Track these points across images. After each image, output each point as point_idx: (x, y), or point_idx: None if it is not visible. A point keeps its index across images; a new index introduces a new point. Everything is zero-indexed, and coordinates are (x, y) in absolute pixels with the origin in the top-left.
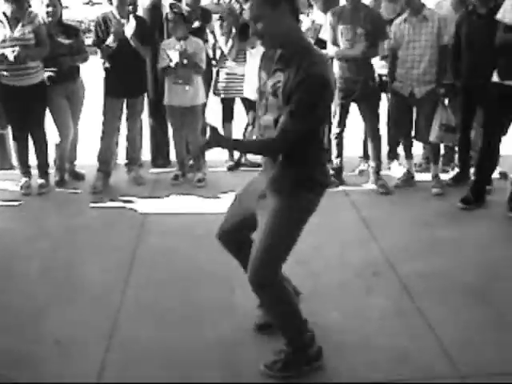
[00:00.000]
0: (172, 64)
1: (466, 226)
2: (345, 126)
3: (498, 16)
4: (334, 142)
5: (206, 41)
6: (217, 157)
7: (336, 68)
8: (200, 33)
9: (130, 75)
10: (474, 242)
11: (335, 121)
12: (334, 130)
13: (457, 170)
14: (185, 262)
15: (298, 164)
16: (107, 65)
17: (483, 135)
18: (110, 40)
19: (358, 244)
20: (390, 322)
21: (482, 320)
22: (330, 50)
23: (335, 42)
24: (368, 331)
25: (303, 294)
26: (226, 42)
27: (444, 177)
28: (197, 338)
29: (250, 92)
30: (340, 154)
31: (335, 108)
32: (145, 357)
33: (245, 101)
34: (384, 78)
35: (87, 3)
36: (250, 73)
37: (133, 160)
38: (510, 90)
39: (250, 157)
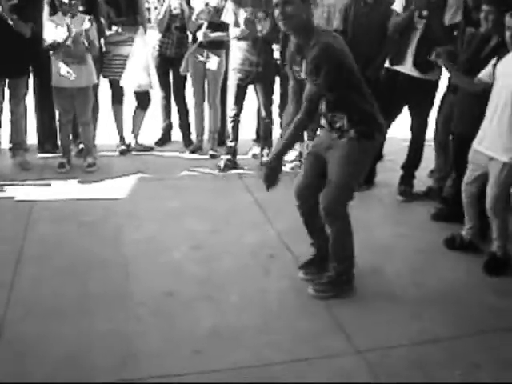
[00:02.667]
0: (63, 39)
1: (357, 207)
2: (242, 108)
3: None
4: (229, 125)
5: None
6: (108, 141)
7: (236, 50)
8: (87, 12)
9: (9, 54)
10: (364, 223)
11: (231, 103)
12: (230, 112)
13: None
14: (76, 250)
15: (357, 122)
16: None
17: None
18: None
19: (254, 227)
20: (289, 302)
21: (374, 296)
22: (233, 32)
23: (237, 25)
24: (268, 313)
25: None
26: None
27: None
28: (90, 330)
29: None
30: (236, 138)
31: (232, 90)
32: (33, 353)
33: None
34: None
35: None
36: (131, 61)
37: (18, 144)
38: (397, 76)
39: (141, 141)
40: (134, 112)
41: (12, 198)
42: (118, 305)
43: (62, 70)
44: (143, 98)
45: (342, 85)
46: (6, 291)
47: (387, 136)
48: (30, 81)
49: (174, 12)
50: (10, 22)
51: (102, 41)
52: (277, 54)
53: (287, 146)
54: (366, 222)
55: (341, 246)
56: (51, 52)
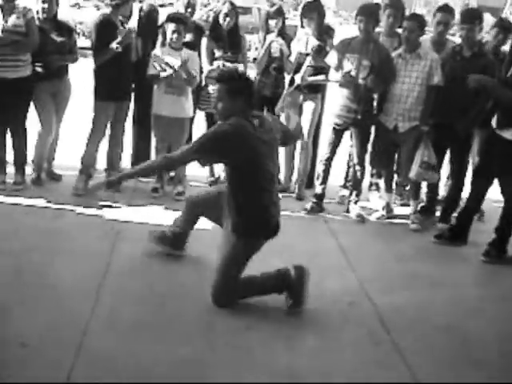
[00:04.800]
0: (169, 71)
1: (442, 263)
2: (335, 153)
3: None
4: (320, 168)
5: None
6: (197, 172)
7: (336, 94)
8: (192, 47)
9: (122, 79)
10: (448, 279)
11: (325, 146)
12: (323, 155)
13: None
14: (159, 274)
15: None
16: (98, 68)
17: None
18: (114, 44)
19: (335, 272)
20: (365, 352)
21: (454, 355)
22: (334, 76)
23: (339, 69)
24: (342, 361)
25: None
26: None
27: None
28: (167, 353)
29: None
30: (324, 181)
31: (328, 133)
32: (112, 369)
33: None
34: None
35: (74, 6)
36: None
37: (112, 166)
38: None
39: None
40: None
41: (101, 216)
42: (195, 331)
43: (162, 99)
44: None
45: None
46: (91, 303)
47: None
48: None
49: (274, 54)
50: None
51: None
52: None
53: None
54: (452, 279)
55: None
56: (154, 82)
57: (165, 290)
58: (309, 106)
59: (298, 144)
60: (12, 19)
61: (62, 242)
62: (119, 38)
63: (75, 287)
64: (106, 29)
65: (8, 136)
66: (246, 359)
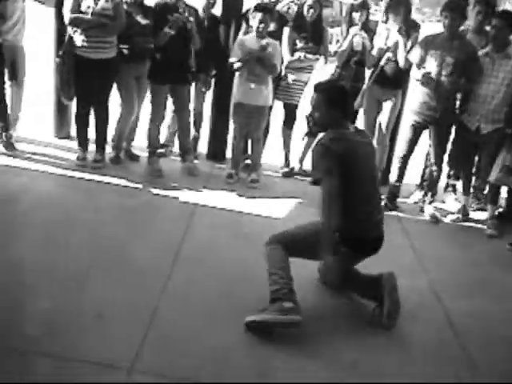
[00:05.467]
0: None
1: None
2: (412, 151)
3: None
4: (397, 165)
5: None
6: (272, 161)
7: (417, 91)
8: (275, 36)
9: (177, 64)
10: None
11: (402, 143)
12: (400, 152)
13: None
14: (230, 258)
15: None
16: (155, 51)
17: None
18: (166, 28)
19: (406, 271)
20: (431, 353)
21: None
22: (416, 74)
23: (420, 66)
24: (407, 358)
25: None
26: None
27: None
28: (229, 334)
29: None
30: (400, 179)
31: (406, 131)
32: (178, 347)
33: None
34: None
35: None
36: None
37: (185, 150)
38: None
39: (305, 167)
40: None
41: (177, 198)
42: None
43: (243, 87)
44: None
45: None
46: (163, 280)
47: None
48: (210, 94)
49: (356, 47)
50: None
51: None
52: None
53: None
54: None
55: None
56: (235, 70)
57: (233, 274)
58: (389, 102)
59: (374, 140)
60: (101, 3)
61: (137, 219)
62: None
63: (148, 264)
64: (161, 13)
65: (91, 115)
66: (312, 352)
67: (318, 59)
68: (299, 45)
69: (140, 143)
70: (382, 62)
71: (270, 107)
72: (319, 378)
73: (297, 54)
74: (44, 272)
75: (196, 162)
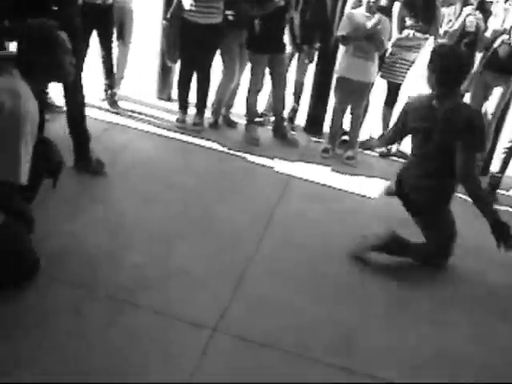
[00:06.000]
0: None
1: None
2: None
3: None
4: (501, 155)
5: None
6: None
7: None
8: (385, 12)
9: (275, 34)
10: None
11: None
12: (507, 143)
13: None
14: (320, 233)
15: None
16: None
17: None
18: None
19: (500, 266)
20: None
21: None
22: None
23: None
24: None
25: None
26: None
27: None
28: (314, 304)
29: None
30: (502, 170)
31: None
32: (265, 310)
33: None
34: None
35: None
36: None
37: (279, 120)
38: None
39: (403, 148)
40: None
41: (272, 168)
42: (347, 297)
43: (349, 62)
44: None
45: None
46: (253, 247)
47: None
48: (312, 66)
49: (468, 28)
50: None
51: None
52: None
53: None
54: None
55: None
56: (343, 43)
57: (321, 247)
58: (499, 88)
59: None
60: None
61: (231, 184)
62: None
63: (240, 228)
64: None
65: (193, 79)
66: (397, 329)
67: (427, 39)
68: (409, 22)
69: (239, 110)
70: (496, 45)
71: (372, 84)
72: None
73: (405, 32)
74: (138, 227)
75: (293, 133)
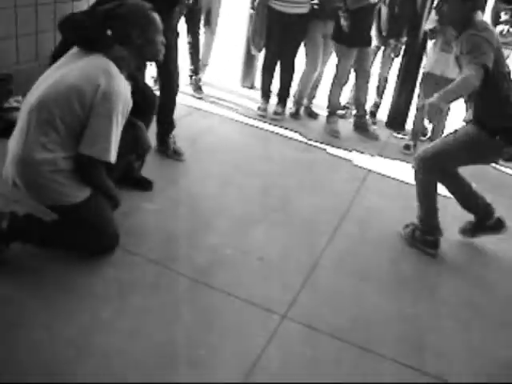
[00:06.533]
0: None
1: None
2: None
3: None
4: None
5: None
6: None
7: None
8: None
9: (365, 27)
10: None
11: None
12: None
13: None
14: (396, 230)
15: None
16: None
17: None
18: None
19: None
20: None
21: None
22: None
23: None
24: None
25: None
26: None
27: None
28: (389, 305)
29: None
30: None
31: None
32: (335, 302)
33: None
34: None
35: None
36: None
37: (360, 114)
38: None
39: None
40: None
41: (350, 161)
42: (420, 295)
43: (437, 57)
44: None
45: None
46: (327, 238)
47: None
48: (397, 61)
49: None
50: None
51: None
52: None
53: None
54: None
55: None
56: (430, 37)
57: (394, 244)
58: None
59: None
60: None
61: (308, 174)
62: None
63: (315, 219)
64: None
65: (277, 68)
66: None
67: None
68: (504, 17)
69: (321, 102)
70: None
71: None
72: None
73: (499, 28)
74: (215, 210)
75: (374, 127)
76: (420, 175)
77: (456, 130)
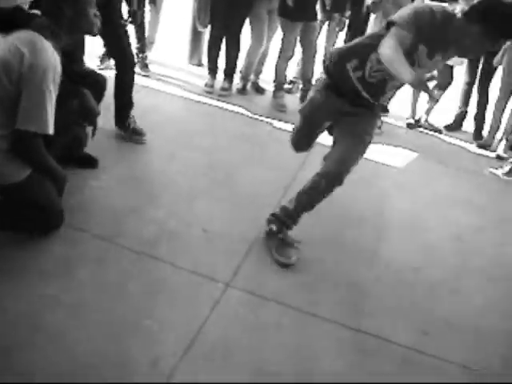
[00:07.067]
0: None
1: None
2: None
3: None
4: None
5: None
6: (398, 111)
7: None
8: None
9: (310, 1)
10: None
11: None
12: None
13: None
14: (338, 199)
15: None
16: None
17: None
18: None
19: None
20: None
21: None
22: None
23: None
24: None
25: None
26: None
27: None
28: (331, 270)
29: None
30: None
31: None
32: (279, 273)
33: None
34: None
35: None
36: None
37: (307, 87)
38: None
39: (431, 120)
40: None
41: None
42: (362, 259)
43: None
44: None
45: None
46: (271, 209)
47: None
48: (342, 35)
49: None
50: None
51: None
52: None
53: None
54: None
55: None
56: (372, 10)
57: (340, 211)
58: None
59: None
60: None
61: (254, 148)
62: None
63: (258, 191)
64: None
65: (223, 44)
66: (399, 299)
67: None
68: None
69: (268, 77)
70: None
71: None
72: None
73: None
74: (162, 185)
75: None
76: None
77: None
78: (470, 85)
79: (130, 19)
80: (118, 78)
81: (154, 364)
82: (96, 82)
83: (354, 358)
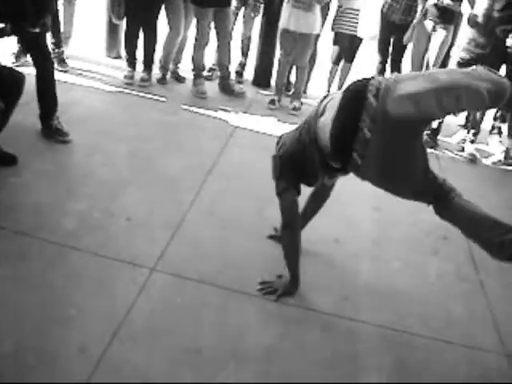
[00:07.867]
0: None
1: None
2: None
3: None
4: None
5: None
6: (317, 89)
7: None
8: None
9: None
10: None
11: None
12: None
13: None
14: (261, 179)
15: None
16: None
17: None
18: None
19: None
20: (450, 285)
21: None
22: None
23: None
24: (424, 286)
25: None
26: None
27: None
28: (251, 246)
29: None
30: None
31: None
32: (202, 251)
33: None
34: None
35: None
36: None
37: (224, 74)
38: None
39: None
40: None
41: (219, 119)
42: None
43: (291, 14)
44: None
45: None
46: (192, 196)
47: None
48: (258, 20)
49: None
50: None
51: None
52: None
53: None
54: None
55: None
56: None
57: (262, 193)
58: (438, 37)
59: None
60: None
61: (175, 135)
62: None
63: (182, 177)
64: None
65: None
66: (328, 270)
67: None
68: None
69: (187, 66)
70: None
71: (318, 36)
72: None
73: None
74: (84, 177)
75: (241, 86)
76: None
77: None
78: (382, 63)
79: None
80: (38, 75)
81: (82, 350)
82: (13, 82)
83: (280, 330)
